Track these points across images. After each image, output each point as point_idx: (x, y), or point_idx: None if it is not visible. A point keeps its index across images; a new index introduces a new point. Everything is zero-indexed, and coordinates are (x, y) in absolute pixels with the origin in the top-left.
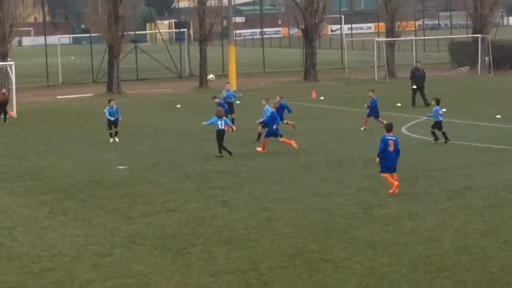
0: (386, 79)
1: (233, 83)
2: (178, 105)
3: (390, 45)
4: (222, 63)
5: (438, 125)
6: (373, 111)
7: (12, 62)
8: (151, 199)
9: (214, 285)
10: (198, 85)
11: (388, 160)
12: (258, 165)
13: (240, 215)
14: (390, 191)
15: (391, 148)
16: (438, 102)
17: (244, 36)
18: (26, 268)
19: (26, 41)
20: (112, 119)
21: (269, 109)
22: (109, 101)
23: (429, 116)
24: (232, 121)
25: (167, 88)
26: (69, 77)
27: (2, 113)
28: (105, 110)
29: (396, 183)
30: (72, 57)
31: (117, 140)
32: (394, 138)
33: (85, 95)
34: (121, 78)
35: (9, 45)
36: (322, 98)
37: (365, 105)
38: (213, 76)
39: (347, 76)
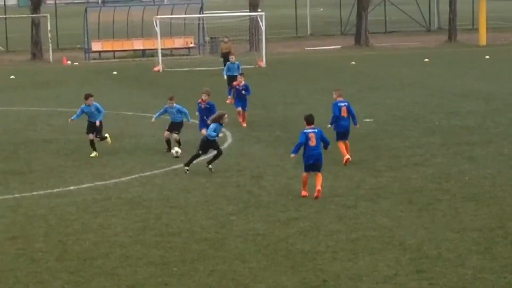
0: None
1: (482, 38)
2: (426, 59)
3: None
4: (471, 16)
5: None
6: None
7: (263, 13)
8: (397, 153)
9: (459, 241)
10: (447, 39)
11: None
12: (508, 122)
13: (487, 171)
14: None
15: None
16: None
17: None
18: (273, 217)
19: None
20: (92, 121)
21: None
22: (86, 97)
23: None
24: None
25: (415, 42)
26: (317, 29)
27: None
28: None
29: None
30: (321, 9)
31: (97, 154)
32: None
33: (333, 47)
34: (369, 30)
35: None
36: None
37: None
38: (178, 151)
39: None
